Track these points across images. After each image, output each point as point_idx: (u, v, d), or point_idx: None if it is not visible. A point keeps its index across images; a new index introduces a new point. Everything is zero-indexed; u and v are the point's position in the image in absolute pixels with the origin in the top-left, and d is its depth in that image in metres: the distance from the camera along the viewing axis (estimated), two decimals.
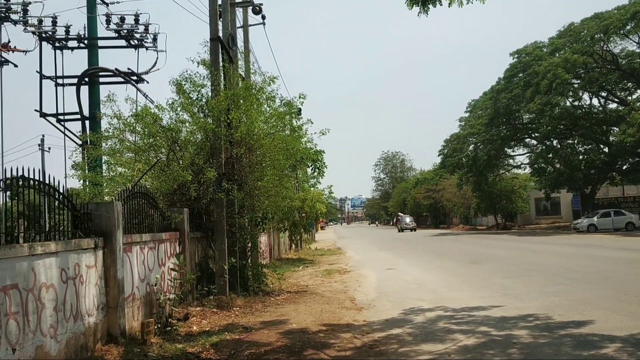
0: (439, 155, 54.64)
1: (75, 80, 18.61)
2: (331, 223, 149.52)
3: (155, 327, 7.70)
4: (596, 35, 36.98)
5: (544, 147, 44.15)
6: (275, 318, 9.13)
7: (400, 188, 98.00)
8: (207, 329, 8.20)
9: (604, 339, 6.48)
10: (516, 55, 43.55)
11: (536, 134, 44.87)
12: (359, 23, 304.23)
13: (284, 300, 11.16)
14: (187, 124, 11.76)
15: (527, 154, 49.58)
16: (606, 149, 41.32)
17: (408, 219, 68.54)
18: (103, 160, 12.24)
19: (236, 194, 11.11)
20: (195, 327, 8.29)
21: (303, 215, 26.80)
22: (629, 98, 40.72)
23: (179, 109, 11.50)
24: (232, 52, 12.43)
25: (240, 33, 15.78)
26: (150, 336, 7.34)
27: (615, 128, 38.63)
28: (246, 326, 8.38)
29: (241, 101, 11.58)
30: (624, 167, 42.44)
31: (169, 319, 8.22)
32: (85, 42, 18.68)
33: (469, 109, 52.05)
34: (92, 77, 18.45)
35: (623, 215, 37.57)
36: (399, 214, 78.23)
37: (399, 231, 64.56)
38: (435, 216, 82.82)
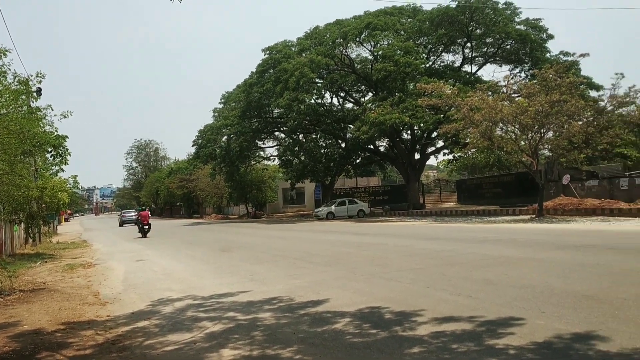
0: (193, 146, 54.48)
1: None
2: (77, 214, 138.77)
3: None
4: (337, 40, 40.72)
5: (291, 141, 47.02)
6: (4, 321, 8.11)
7: (153, 177, 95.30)
8: None
9: (336, 315, 7.16)
10: (268, 52, 45.48)
11: (284, 128, 47.53)
12: (116, 6, 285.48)
13: (15, 301, 9.99)
14: None
15: (276, 147, 52.28)
16: (343, 144, 45.74)
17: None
18: None
19: None
20: None
21: (42, 206, 24.33)
22: (362, 99, 45.82)
23: None
24: None
25: None
26: None
27: (351, 126, 42.97)
28: None
29: None
30: (357, 161, 47.73)
31: None
32: None
33: (223, 101, 52.88)
34: None
35: (356, 204, 42.30)
36: None
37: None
38: (189, 206, 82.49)
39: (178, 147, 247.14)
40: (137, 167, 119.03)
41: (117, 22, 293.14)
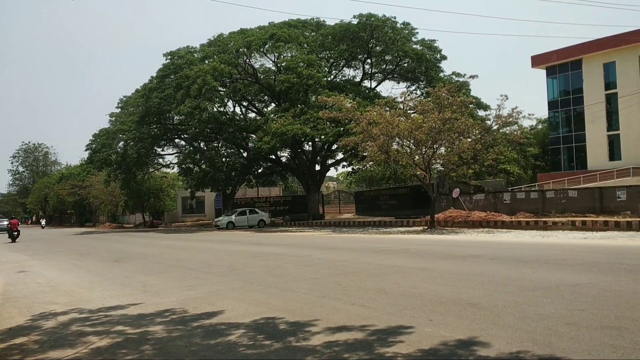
0: (86, 150, 51.83)
1: None
2: None
3: None
4: (241, 49, 40.59)
5: (191, 148, 46.12)
6: None
7: (41, 183, 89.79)
8: None
9: (230, 327, 7.07)
10: (169, 57, 44.43)
11: (185, 135, 46.56)
12: None
13: None
14: None
15: (176, 154, 51.05)
16: (245, 154, 45.53)
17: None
18: None
19: None
20: None
21: None
22: (265, 110, 45.90)
23: None
24: None
25: None
26: None
27: (253, 135, 42.90)
28: None
29: None
30: (259, 171, 47.68)
31: None
32: None
33: (120, 105, 50.92)
34: None
35: (256, 214, 42.18)
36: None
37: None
38: (81, 214, 78.60)
39: (70, 151, 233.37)
40: (24, 171, 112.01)
41: (5, 14, 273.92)
